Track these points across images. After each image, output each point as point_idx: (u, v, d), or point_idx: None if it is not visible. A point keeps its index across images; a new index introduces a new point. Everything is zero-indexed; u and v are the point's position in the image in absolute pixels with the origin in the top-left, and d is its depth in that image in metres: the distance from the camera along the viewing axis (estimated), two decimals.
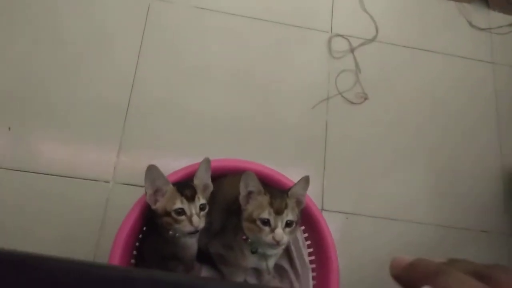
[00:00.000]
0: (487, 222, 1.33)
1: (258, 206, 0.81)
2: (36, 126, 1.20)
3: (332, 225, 0.99)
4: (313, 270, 0.99)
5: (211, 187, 0.89)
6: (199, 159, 0.92)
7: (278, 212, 0.80)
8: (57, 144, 1.19)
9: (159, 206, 0.83)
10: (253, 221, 0.81)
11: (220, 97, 1.33)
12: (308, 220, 0.97)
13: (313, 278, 0.98)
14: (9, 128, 1.18)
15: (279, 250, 0.91)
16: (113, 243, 0.82)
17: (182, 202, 0.81)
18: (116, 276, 0.31)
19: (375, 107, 1.41)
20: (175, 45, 1.36)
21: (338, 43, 1.47)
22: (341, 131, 1.36)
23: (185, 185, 0.85)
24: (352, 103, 1.40)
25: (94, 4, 1.35)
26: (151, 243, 0.93)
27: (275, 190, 0.86)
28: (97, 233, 1.11)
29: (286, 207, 0.81)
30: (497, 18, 1.63)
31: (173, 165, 0.96)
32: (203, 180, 0.88)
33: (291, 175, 0.98)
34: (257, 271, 1.00)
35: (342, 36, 1.48)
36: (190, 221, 0.81)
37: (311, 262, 1.00)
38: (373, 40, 1.50)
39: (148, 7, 1.37)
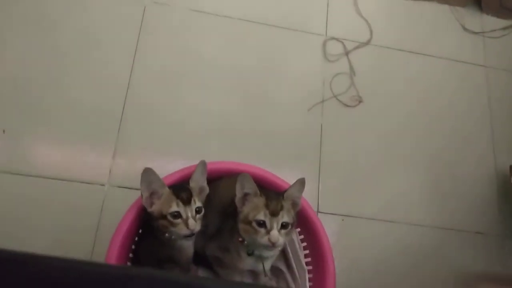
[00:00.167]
0: (482, 224, 1.34)
1: (254, 208, 0.82)
2: (31, 129, 1.20)
3: (328, 227, 0.99)
4: (309, 272, 0.99)
5: (207, 189, 0.89)
6: (194, 162, 0.92)
7: (274, 214, 0.80)
8: (52, 147, 1.19)
9: (155, 209, 0.83)
10: (248, 222, 0.81)
11: (215, 100, 1.33)
12: (304, 222, 0.97)
13: (310, 279, 0.98)
14: (4, 131, 1.18)
15: (275, 252, 0.91)
16: (109, 246, 0.82)
17: (178, 205, 0.81)
18: (116, 274, 0.31)
19: (370, 110, 1.41)
20: (171, 47, 1.36)
21: (332, 46, 1.48)
22: (336, 134, 1.36)
23: (181, 188, 0.84)
24: (347, 106, 1.40)
25: (90, 6, 1.35)
26: (147, 245, 0.93)
27: (271, 192, 0.87)
28: (93, 236, 1.11)
29: (281, 209, 0.81)
30: (490, 21, 1.64)
31: (168, 167, 0.96)
32: (199, 182, 0.88)
33: (286, 177, 0.98)
34: (254, 273, 1.00)
35: (336, 39, 1.49)
36: (186, 224, 0.81)
37: (307, 264, 1.00)
38: (367, 43, 1.51)
39: (144, 10, 1.37)
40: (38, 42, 1.29)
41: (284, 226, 0.81)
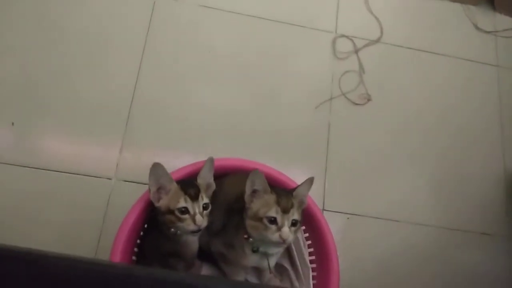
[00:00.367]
0: (489, 225, 1.33)
1: (265, 205, 0.82)
2: (40, 122, 1.21)
3: (333, 226, 0.99)
4: (313, 270, 0.99)
5: (213, 186, 0.90)
6: (200, 158, 0.92)
7: (285, 211, 0.81)
8: (60, 141, 1.20)
9: (162, 204, 0.83)
10: (258, 219, 0.81)
11: (223, 96, 1.33)
12: (309, 220, 0.97)
13: (314, 277, 0.98)
14: (13, 124, 1.19)
15: (281, 249, 0.91)
16: (114, 240, 0.83)
17: (186, 201, 0.81)
18: (118, 274, 0.31)
19: (379, 108, 1.40)
20: (179, 43, 1.36)
21: (342, 44, 1.47)
22: (343, 132, 1.35)
23: (189, 184, 0.85)
24: (356, 104, 1.40)
25: (99, 1, 1.35)
26: (152, 240, 0.93)
27: (280, 189, 0.87)
28: (99, 229, 1.12)
29: (292, 206, 0.82)
30: (503, 21, 1.62)
31: (175, 163, 0.97)
32: (206, 179, 0.88)
33: (292, 175, 0.98)
34: (258, 270, 1.00)
35: (346, 36, 1.48)
36: (194, 220, 0.81)
37: (311, 262, 1.00)
38: (377, 41, 1.49)
39: (153, 6, 1.37)
40: (48, 37, 1.29)
41: (293, 223, 0.81)
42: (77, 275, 0.31)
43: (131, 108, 1.25)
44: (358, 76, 1.43)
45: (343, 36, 1.48)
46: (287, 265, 1.02)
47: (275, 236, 0.80)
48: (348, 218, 1.26)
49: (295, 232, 0.82)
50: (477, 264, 1.29)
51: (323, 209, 1.24)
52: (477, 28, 1.59)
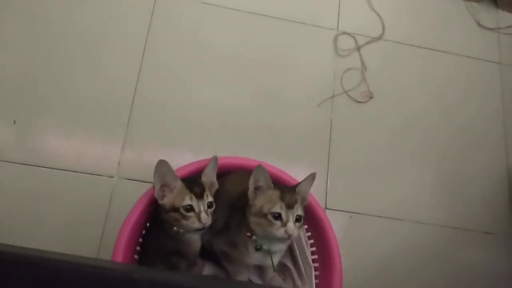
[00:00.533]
0: (492, 224, 1.32)
1: (269, 201, 0.82)
2: (41, 120, 1.20)
3: (336, 224, 0.99)
4: (316, 268, 0.99)
5: (216, 184, 0.90)
6: (202, 156, 0.92)
7: (289, 207, 0.81)
8: (62, 138, 1.20)
9: (166, 201, 0.83)
10: (263, 215, 0.81)
11: (225, 94, 1.32)
12: (312, 219, 0.96)
13: (316, 276, 0.98)
14: (14, 122, 1.19)
15: (284, 246, 0.91)
16: (116, 238, 0.82)
17: (191, 199, 0.82)
18: (119, 277, 0.31)
19: (381, 106, 1.40)
20: (181, 40, 1.36)
21: (344, 41, 1.46)
22: (345, 130, 1.35)
23: (193, 182, 0.85)
24: (358, 101, 1.39)
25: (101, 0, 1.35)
26: (154, 239, 0.93)
27: (282, 186, 0.87)
28: (101, 228, 1.12)
29: (296, 201, 0.82)
30: (505, 17, 1.61)
31: (176, 161, 0.96)
32: (209, 177, 0.88)
33: (294, 173, 0.97)
34: (260, 269, 1.00)
35: (348, 34, 1.47)
36: (199, 218, 0.81)
37: (314, 260, 1.00)
38: (379, 38, 1.49)
39: (154, 2, 1.37)
40: (49, 36, 1.29)
41: (297, 219, 0.81)
42: (77, 277, 0.31)
43: (133, 106, 1.25)
44: (360, 73, 1.43)
45: (344, 33, 1.47)
46: (289, 264, 1.02)
47: (280, 232, 0.80)
48: (350, 217, 1.26)
49: (299, 227, 0.83)
50: (480, 263, 1.28)
51: (326, 208, 1.24)
52: (479, 25, 1.58)
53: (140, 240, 0.95)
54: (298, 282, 0.99)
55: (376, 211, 1.27)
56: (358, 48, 1.46)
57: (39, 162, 1.16)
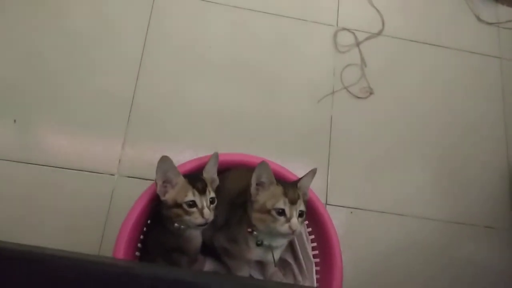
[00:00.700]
0: (493, 218, 1.32)
1: (272, 197, 0.82)
2: (41, 119, 1.21)
3: (336, 220, 0.99)
4: (316, 264, 0.99)
5: (217, 181, 0.90)
6: (202, 153, 0.92)
7: (293, 202, 0.81)
8: (62, 137, 1.20)
9: (168, 197, 0.83)
10: (266, 211, 0.81)
11: (225, 91, 1.33)
12: (312, 215, 0.96)
13: (317, 272, 0.98)
14: (15, 121, 1.19)
15: (285, 242, 0.92)
16: (117, 235, 0.83)
17: (194, 195, 0.82)
18: (120, 273, 0.31)
19: (381, 101, 1.40)
20: (180, 38, 1.36)
21: (343, 37, 1.46)
22: (346, 126, 1.35)
23: (196, 178, 0.85)
24: (358, 97, 1.39)
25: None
26: (155, 235, 0.94)
27: (284, 182, 0.87)
28: (102, 225, 1.12)
29: (298, 197, 0.82)
30: (505, 12, 1.61)
31: (177, 158, 0.96)
32: (210, 173, 0.89)
33: (295, 169, 0.98)
34: (261, 264, 1.00)
35: (348, 30, 1.47)
36: (201, 213, 0.81)
37: (314, 256, 1.00)
38: (379, 34, 1.49)
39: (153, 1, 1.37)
40: (48, 31, 1.29)
41: (300, 214, 0.82)
42: (78, 274, 0.31)
43: (133, 104, 1.25)
44: (360, 69, 1.43)
45: (344, 29, 1.47)
46: (290, 259, 1.02)
47: (284, 228, 0.80)
48: (351, 212, 1.26)
49: (302, 223, 0.83)
50: (482, 258, 1.28)
51: (326, 203, 1.24)
52: (479, 19, 1.58)
53: (141, 237, 0.95)
54: (299, 277, 0.99)
55: (377, 207, 1.27)
56: (358, 44, 1.46)
57: (39, 160, 1.16)
